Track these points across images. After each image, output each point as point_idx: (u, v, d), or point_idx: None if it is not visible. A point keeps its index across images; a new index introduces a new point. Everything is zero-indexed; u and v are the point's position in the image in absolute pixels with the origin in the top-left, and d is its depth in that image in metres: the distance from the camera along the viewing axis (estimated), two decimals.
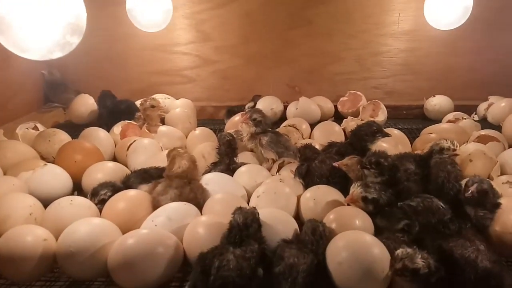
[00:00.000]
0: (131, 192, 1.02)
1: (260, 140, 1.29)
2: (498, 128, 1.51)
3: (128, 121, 1.51)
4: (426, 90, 1.82)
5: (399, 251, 0.73)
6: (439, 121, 1.65)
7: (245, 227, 0.78)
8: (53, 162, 1.21)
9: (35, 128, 1.43)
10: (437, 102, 1.76)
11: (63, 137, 1.35)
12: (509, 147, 1.34)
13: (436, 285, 0.72)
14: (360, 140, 1.21)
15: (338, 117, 1.74)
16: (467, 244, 0.77)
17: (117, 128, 1.47)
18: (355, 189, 0.94)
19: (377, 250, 0.75)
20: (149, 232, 0.84)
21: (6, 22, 0.71)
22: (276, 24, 1.83)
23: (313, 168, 1.12)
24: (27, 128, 1.41)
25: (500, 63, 1.80)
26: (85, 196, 1.03)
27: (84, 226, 0.83)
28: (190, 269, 0.82)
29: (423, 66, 1.85)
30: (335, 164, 1.07)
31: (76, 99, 1.71)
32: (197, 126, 1.53)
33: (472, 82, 1.83)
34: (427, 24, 1.69)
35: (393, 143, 1.33)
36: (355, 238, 0.78)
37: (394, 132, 1.45)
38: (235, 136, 1.29)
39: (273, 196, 1.00)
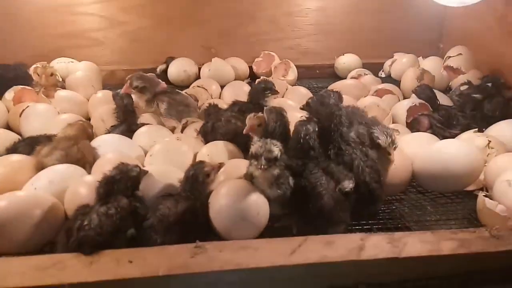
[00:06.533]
0: (13, 157, 0.95)
1: (158, 105, 1.27)
2: (399, 83, 1.61)
3: (22, 86, 1.39)
4: (337, 49, 1.87)
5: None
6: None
7: (115, 181, 0.77)
8: None
9: None
10: (346, 60, 1.81)
11: None
12: (404, 99, 1.45)
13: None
14: (255, 97, 1.24)
15: (254, 78, 1.73)
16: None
17: (9, 94, 1.35)
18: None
19: (254, 196, 0.78)
20: (24, 194, 0.80)
21: None
22: None
23: (218, 126, 1.12)
24: None
25: (407, 19, 1.86)
26: None
27: None
28: None
29: (333, 26, 1.88)
30: (245, 132, 0.98)
31: None
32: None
33: (379, 40, 1.90)
34: None
35: (297, 100, 1.37)
36: (235, 185, 0.80)
37: (301, 90, 1.51)
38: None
39: (167, 154, 0.99)
